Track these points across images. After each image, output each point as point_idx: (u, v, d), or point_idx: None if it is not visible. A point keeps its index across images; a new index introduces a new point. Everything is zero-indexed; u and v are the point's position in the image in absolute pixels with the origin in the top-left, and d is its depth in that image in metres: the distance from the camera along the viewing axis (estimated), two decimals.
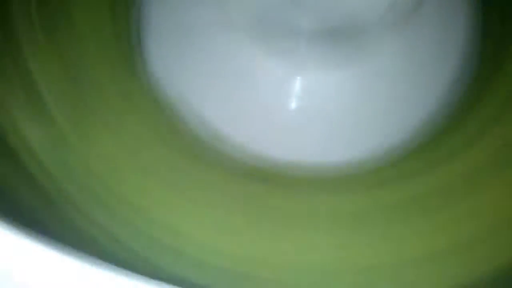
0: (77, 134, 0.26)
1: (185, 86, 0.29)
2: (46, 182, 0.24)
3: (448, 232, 0.25)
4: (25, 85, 0.26)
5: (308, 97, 0.30)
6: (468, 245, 0.24)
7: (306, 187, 0.28)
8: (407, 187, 0.26)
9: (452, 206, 0.25)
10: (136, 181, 0.26)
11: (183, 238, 0.24)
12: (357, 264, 0.25)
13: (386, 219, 0.26)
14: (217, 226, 0.25)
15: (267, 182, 0.28)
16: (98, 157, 0.26)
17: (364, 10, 0.27)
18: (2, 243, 0.17)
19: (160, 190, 0.26)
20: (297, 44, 0.29)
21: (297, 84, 0.30)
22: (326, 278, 0.24)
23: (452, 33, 0.30)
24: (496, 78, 0.28)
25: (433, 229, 0.25)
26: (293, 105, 0.30)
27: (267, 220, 0.26)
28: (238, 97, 0.30)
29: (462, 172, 0.26)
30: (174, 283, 0.17)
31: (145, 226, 0.25)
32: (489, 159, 0.27)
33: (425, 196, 0.26)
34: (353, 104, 0.29)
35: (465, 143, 0.27)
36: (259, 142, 0.29)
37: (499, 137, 0.27)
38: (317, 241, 0.25)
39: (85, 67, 0.28)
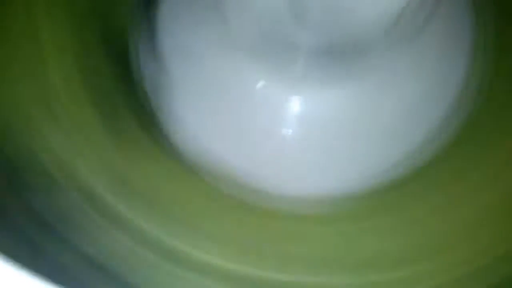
0: None
1: (179, 102, 0.29)
2: None
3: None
4: None
5: (307, 117, 0.29)
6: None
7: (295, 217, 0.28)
8: (409, 210, 0.27)
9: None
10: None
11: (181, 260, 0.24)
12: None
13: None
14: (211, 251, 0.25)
15: (259, 214, 0.27)
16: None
17: (367, 27, 0.26)
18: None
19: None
20: (298, 62, 0.28)
21: (297, 103, 0.29)
22: None
23: (457, 51, 0.29)
24: (504, 96, 0.28)
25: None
26: (291, 125, 0.29)
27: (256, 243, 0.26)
28: (235, 115, 0.29)
29: (465, 193, 0.27)
30: None
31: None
32: (491, 178, 0.27)
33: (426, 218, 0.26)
34: (355, 125, 0.29)
35: (467, 164, 0.27)
36: (255, 171, 0.28)
37: (503, 157, 0.27)
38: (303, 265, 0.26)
39: None
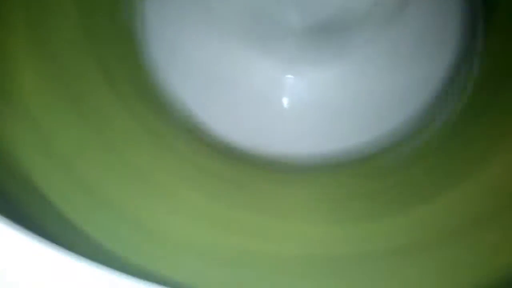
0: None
1: (176, 86, 0.30)
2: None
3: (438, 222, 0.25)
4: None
5: (297, 94, 0.30)
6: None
7: (295, 178, 0.28)
8: (395, 177, 0.27)
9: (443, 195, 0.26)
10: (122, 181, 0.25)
11: (167, 233, 0.24)
12: (345, 253, 0.25)
13: (375, 209, 0.26)
14: (204, 218, 0.25)
15: (257, 174, 0.28)
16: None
17: (353, 5, 0.27)
18: None
19: (146, 187, 0.25)
20: (286, 42, 0.29)
21: (288, 82, 0.30)
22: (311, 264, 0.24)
23: (442, 29, 0.30)
24: (495, 75, 0.28)
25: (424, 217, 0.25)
26: (283, 102, 0.30)
27: (257, 211, 0.26)
28: (229, 95, 0.30)
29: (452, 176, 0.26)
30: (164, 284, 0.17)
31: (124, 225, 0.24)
32: (473, 152, 0.27)
33: (411, 187, 0.26)
34: (342, 99, 0.30)
35: (456, 146, 0.27)
36: (249, 139, 0.29)
37: (493, 140, 0.27)
38: (305, 230, 0.25)
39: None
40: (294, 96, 0.30)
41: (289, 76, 0.30)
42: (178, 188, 0.26)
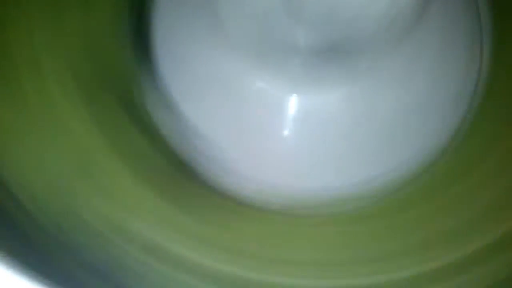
0: None
1: (178, 105, 0.29)
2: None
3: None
4: None
5: (306, 116, 0.29)
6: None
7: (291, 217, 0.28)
8: (404, 217, 0.26)
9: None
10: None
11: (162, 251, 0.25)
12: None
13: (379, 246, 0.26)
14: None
15: (255, 208, 0.27)
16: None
17: (363, 26, 0.25)
18: None
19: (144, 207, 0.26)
20: (296, 62, 0.28)
21: (294, 104, 0.29)
22: None
23: (456, 49, 0.29)
24: (504, 95, 0.28)
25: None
26: (290, 125, 0.29)
27: (251, 245, 0.26)
28: (235, 116, 0.29)
29: (467, 192, 0.26)
30: None
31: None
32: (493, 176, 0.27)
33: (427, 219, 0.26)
34: (351, 125, 0.29)
35: (467, 167, 0.27)
36: (253, 167, 0.28)
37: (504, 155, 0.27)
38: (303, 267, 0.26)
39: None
40: (301, 117, 0.29)
41: (296, 96, 0.28)
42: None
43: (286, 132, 0.29)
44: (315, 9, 0.25)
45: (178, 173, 0.28)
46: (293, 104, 0.28)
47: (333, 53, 0.27)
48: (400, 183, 0.28)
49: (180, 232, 0.26)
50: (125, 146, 0.27)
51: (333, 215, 0.27)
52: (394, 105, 0.28)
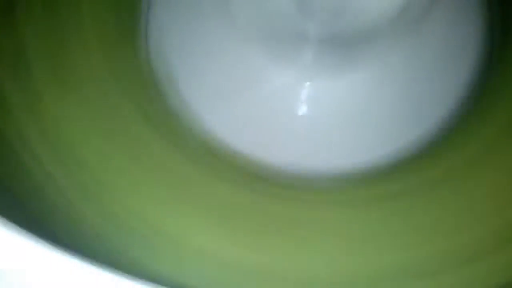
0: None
1: (191, 94, 0.29)
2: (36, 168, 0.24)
3: (449, 239, 0.25)
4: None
5: (316, 104, 0.30)
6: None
7: (309, 195, 0.28)
8: (410, 197, 0.26)
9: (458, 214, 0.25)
10: (134, 181, 0.25)
11: (180, 243, 0.24)
12: (358, 274, 0.25)
13: (389, 229, 0.26)
14: (219, 233, 0.25)
15: (270, 189, 0.27)
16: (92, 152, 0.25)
17: (373, 16, 0.26)
18: None
19: (158, 193, 0.26)
20: (305, 51, 0.29)
21: (305, 90, 0.29)
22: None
23: (464, 39, 0.29)
24: (508, 89, 0.28)
25: (436, 234, 0.25)
26: (301, 111, 0.30)
27: (269, 227, 0.26)
28: (246, 104, 0.29)
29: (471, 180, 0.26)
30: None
31: (140, 228, 0.24)
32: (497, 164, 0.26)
33: (430, 205, 0.26)
34: (360, 110, 0.29)
35: (473, 151, 0.27)
36: (265, 150, 0.28)
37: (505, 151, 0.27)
38: (318, 249, 0.25)
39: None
40: (311, 104, 0.30)
41: (307, 83, 0.29)
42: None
43: (296, 118, 0.30)
44: (325, 2, 0.26)
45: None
46: (304, 91, 0.29)
47: (343, 42, 0.28)
48: (406, 164, 0.28)
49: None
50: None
51: (339, 195, 0.28)
52: (400, 90, 0.29)
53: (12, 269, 0.17)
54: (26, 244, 0.17)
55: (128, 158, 0.26)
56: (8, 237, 0.17)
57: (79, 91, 0.26)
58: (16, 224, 0.17)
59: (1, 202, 0.22)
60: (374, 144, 0.29)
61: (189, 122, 0.29)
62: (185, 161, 0.27)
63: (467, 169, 0.27)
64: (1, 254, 0.17)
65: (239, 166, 0.28)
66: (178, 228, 0.25)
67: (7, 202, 0.22)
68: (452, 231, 0.25)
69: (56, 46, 0.27)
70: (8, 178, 0.23)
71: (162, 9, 0.30)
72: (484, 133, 0.27)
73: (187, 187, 0.26)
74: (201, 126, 0.29)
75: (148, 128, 0.27)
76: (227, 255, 0.24)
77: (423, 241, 0.25)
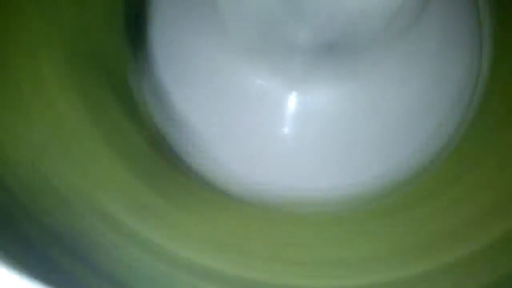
0: None
1: (181, 104, 0.29)
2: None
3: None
4: None
5: (307, 114, 0.29)
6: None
7: (298, 216, 0.27)
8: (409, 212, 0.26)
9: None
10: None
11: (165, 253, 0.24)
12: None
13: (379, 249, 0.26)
14: (209, 250, 0.25)
15: (258, 209, 0.27)
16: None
17: (363, 25, 0.25)
18: None
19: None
20: (296, 61, 0.27)
21: (296, 100, 0.28)
22: None
23: (455, 47, 0.29)
24: (505, 96, 0.28)
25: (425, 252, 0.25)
26: (291, 123, 0.29)
27: (256, 245, 0.26)
28: (235, 115, 0.29)
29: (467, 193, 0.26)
30: None
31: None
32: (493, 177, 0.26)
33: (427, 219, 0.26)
34: (353, 120, 0.28)
35: (469, 164, 0.27)
36: (255, 163, 0.28)
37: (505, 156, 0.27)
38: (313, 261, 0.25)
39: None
40: (302, 115, 0.29)
41: (297, 94, 0.28)
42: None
43: (285, 130, 0.29)
44: (315, 8, 0.25)
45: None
46: (292, 102, 0.28)
47: (333, 51, 0.27)
48: (399, 183, 0.28)
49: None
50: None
51: (331, 214, 0.27)
52: (394, 103, 0.28)
53: None
54: None
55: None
56: None
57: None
58: None
59: None
60: (365, 162, 0.28)
61: (174, 137, 0.28)
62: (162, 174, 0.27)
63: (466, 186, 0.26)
64: None
65: (225, 183, 0.28)
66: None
67: None
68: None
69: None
70: None
71: (153, 18, 0.30)
72: (486, 140, 0.27)
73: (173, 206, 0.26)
74: (189, 138, 0.28)
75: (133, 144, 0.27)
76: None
77: (413, 259, 0.25)
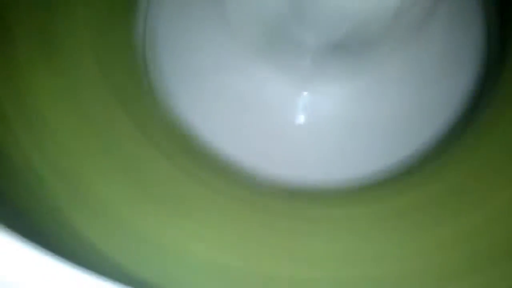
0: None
1: (190, 105, 0.30)
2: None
3: (446, 246, 0.25)
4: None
5: (315, 113, 0.30)
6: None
7: (310, 203, 0.28)
8: (410, 199, 0.26)
9: (451, 221, 0.25)
10: (132, 195, 0.26)
11: (177, 252, 0.24)
12: (357, 277, 0.25)
13: (386, 233, 0.26)
14: (220, 243, 0.25)
15: (272, 199, 0.28)
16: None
17: (369, 27, 0.26)
18: None
19: (158, 207, 0.26)
20: (303, 60, 0.29)
21: (304, 99, 0.29)
22: None
23: (463, 47, 0.29)
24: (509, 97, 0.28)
25: (432, 243, 0.25)
26: (300, 121, 0.30)
27: (271, 236, 0.26)
28: (245, 114, 0.30)
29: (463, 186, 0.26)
30: None
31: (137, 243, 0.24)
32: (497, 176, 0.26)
33: (425, 209, 0.26)
34: (360, 119, 0.29)
35: (474, 162, 0.27)
36: (263, 159, 0.29)
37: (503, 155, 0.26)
38: (319, 254, 0.25)
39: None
40: (310, 113, 0.30)
41: (305, 93, 0.29)
42: (205, 214, 0.26)
43: (296, 127, 0.30)
44: (321, 12, 0.26)
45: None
46: (303, 99, 0.29)
47: (340, 51, 0.28)
48: (406, 174, 0.28)
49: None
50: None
51: (336, 209, 0.28)
52: (399, 100, 0.29)
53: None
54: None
55: (123, 172, 0.26)
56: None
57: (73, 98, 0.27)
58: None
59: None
60: (373, 155, 0.29)
61: (187, 133, 0.29)
62: (181, 173, 0.27)
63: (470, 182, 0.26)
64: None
65: (236, 176, 0.28)
66: (178, 240, 0.25)
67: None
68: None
69: (49, 48, 0.27)
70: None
71: (158, 21, 0.30)
72: (493, 140, 0.27)
73: (182, 199, 0.26)
74: (199, 137, 0.29)
75: (145, 142, 0.27)
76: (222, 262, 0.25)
77: (419, 254, 0.25)
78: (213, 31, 0.29)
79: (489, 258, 0.24)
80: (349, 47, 0.27)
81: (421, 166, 0.28)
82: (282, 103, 0.30)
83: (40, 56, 0.26)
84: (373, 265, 0.25)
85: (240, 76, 0.29)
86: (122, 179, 0.26)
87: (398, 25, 0.26)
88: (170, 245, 0.24)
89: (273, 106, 0.29)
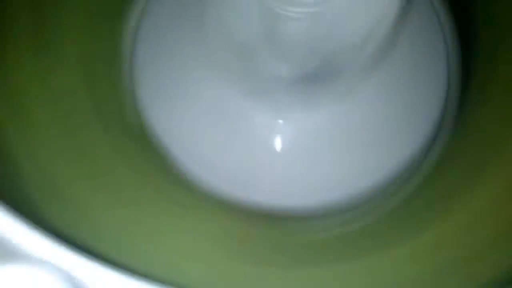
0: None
1: (167, 132, 0.31)
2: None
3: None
4: None
5: (291, 140, 0.31)
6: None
7: (283, 234, 0.29)
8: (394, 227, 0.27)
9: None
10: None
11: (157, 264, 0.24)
12: None
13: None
14: (203, 268, 0.26)
15: (249, 225, 0.29)
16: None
17: (340, 57, 0.27)
18: None
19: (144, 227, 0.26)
20: (278, 89, 0.30)
21: (281, 127, 0.31)
22: None
23: (430, 71, 0.31)
24: (485, 111, 0.29)
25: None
26: (276, 149, 0.31)
27: (249, 260, 0.27)
28: (219, 139, 0.31)
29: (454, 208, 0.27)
30: None
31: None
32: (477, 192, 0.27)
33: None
34: (334, 145, 0.30)
35: (452, 181, 0.28)
36: (241, 187, 0.29)
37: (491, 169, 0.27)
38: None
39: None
40: (285, 141, 0.31)
41: (280, 121, 0.31)
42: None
43: (274, 155, 0.31)
44: (295, 45, 0.27)
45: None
46: (279, 127, 0.31)
47: (313, 81, 0.29)
48: (386, 193, 0.29)
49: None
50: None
51: (324, 229, 0.29)
52: (373, 123, 0.31)
53: None
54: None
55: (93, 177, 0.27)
56: None
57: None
58: None
59: None
60: (351, 175, 0.30)
61: (165, 159, 0.30)
62: (160, 197, 0.28)
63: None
64: None
65: (214, 203, 0.29)
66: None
67: None
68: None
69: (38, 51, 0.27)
70: None
71: (144, 48, 0.32)
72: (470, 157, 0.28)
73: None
74: (178, 164, 0.30)
75: (118, 159, 0.28)
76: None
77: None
78: (195, 61, 0.30)
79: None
80: (319, 78, 0.29)
81: (402, 182, 0.29)
82: (258, 130, 0.31)
83: (29, 57, 0.27)
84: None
85: (217, 103, 0.30)
86: (92, 183, 0.27)
87: (363, 54, 0.28)
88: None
89: (248, 133, 0.31)
